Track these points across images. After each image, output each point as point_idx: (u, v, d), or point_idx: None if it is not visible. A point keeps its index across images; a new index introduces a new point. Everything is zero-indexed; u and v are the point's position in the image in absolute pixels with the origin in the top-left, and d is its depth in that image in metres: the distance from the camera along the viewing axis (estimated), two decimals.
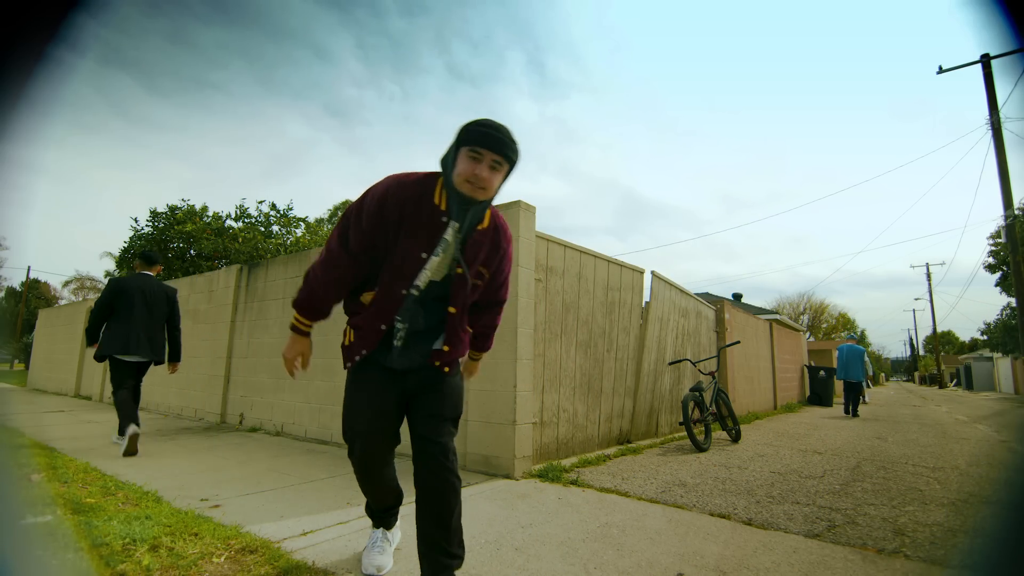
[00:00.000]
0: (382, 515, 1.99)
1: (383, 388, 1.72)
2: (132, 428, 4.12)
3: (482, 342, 1.99)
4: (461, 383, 1.88)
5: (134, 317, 4.51)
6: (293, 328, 1.76)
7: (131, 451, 4.10)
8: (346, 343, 1.75)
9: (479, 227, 1.67)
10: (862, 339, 67.24)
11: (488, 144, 1.53)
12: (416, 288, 1.64)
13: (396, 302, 1.64)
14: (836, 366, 10.32)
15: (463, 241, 1.65)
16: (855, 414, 9.70)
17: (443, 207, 1.61)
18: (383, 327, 1.66)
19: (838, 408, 12.29)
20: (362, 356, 1.70)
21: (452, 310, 1.69)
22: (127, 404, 4.32)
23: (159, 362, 4.71)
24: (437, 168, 1.67)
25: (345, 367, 1.78)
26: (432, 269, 1.63)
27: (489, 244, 1.71)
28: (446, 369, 1.76)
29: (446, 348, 1.72)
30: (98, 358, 4.54)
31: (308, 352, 1.80)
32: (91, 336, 4.61)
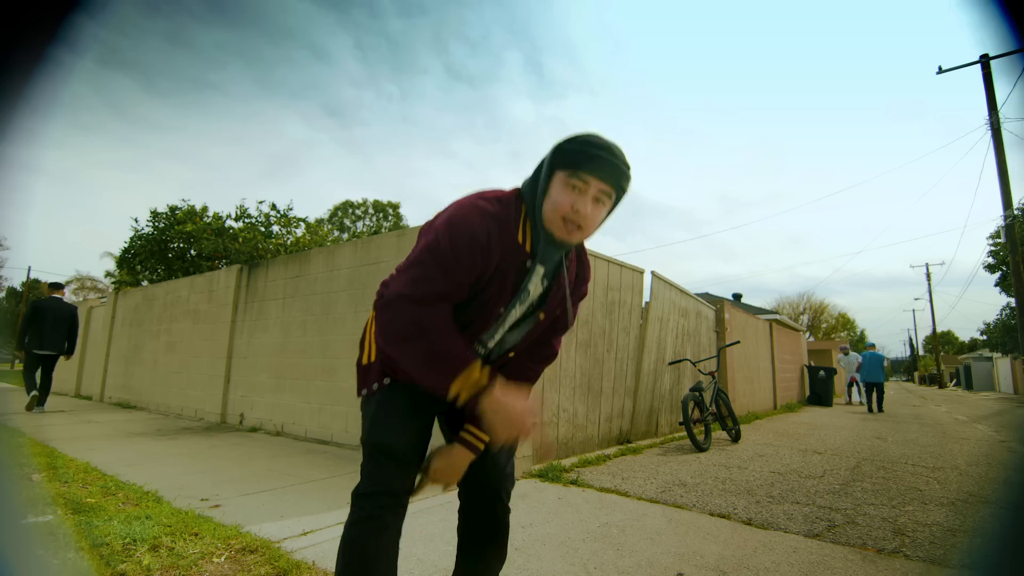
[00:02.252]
0: None
1: (423, 402, 1.30)
2: (33, 393, 6.60)
3: (532, 373, 1.43)
4: None
5: (46, 326, 6.75)
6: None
7: (28, 408, 6.48)
8: (365, 361, 1.34)
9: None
10: (862, 339, 67.40)
11: (596, 169, 1.10)
12: (484, 346, 1.29)
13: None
14: (859, 370, 11.74)
15: (547, 288, 1.27)
16: (880, 409, 10.93)
17: (527, 247, 1.20)
18: None
19: (838, 408, 12.30)
20: (384, 385, 1.29)
21: (511, 355, 1.35)
22: (31, 378, 6.69)
23: (62, 355, 6.98)
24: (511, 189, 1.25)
25: (360, 393, 1.33)
26: (506, 325, 1.28)
27: (573, 286, 1.34)
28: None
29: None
30: (23, 351, 6.75)
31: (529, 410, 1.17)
32: (20, 340, 6.85)
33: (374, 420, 1.28)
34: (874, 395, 11.08)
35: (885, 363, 11.86)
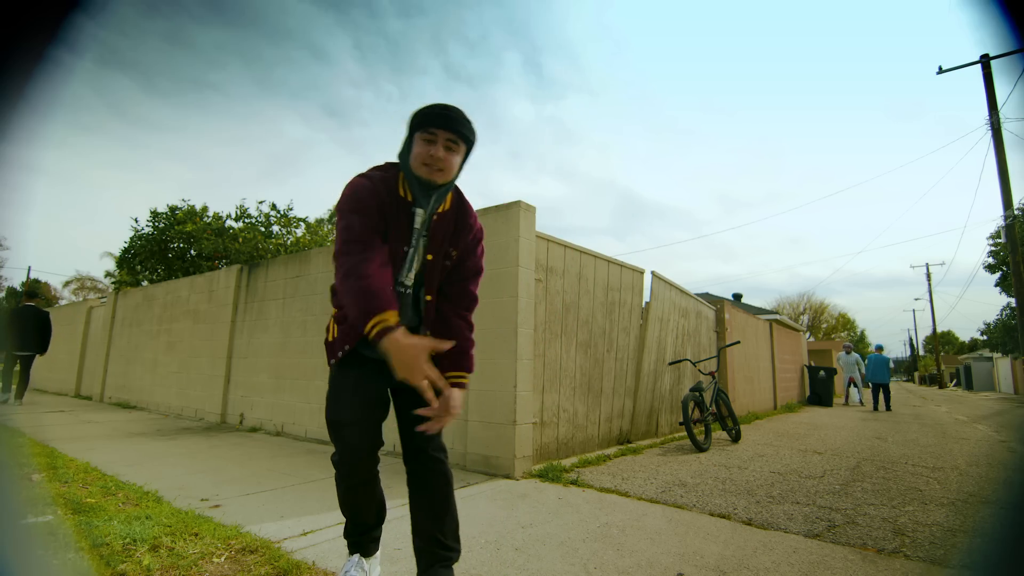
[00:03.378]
0: (361, 537, 1.75)
1: (368, 379, 1.63)
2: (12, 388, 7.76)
3: (460, 357, 1.65)
4: None
5: (25, 330, 7.75)
6: (383, 332, 1.39)
7: (3, 402, 7.62)
8: (329, 339, 1.68)
9: (440, 210, 1.62)
10: (862, 339, 67.47)
11: (440, 123, 1.50)
12: (403, 285, 1.61)
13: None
14: (865, 372, 12.08)
15: (427, 226, 1.60)
16: (888, 408, 11.35)
17: (408, 198, 1.58)
18: None
19: (838, 408, 12.30)
20: (345, 351, 1.61)
21: (428, 298, 1.64)
22: (7, 375, 7.82)
23: (38, 353, 7.91)
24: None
25: (329, 363, 1.68)
26: (408, 261, 1.61)
27: (452, 224, 1.65)
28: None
29: (427, 334, 1.64)
30: (3, 352, 7.84)
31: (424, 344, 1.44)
32: (1, 341, 7.79)
33: (328, 399, 1.66)
34: (880, 395, 11.55)
35: (890, 364, 11.98)
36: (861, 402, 13.23)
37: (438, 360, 1.60)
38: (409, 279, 1.62)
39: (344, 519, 1.75)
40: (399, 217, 1.57)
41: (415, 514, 1.69)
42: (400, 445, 1.71)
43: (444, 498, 1.68)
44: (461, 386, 1.62)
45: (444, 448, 1.71)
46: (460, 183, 1.70)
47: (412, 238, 1.59)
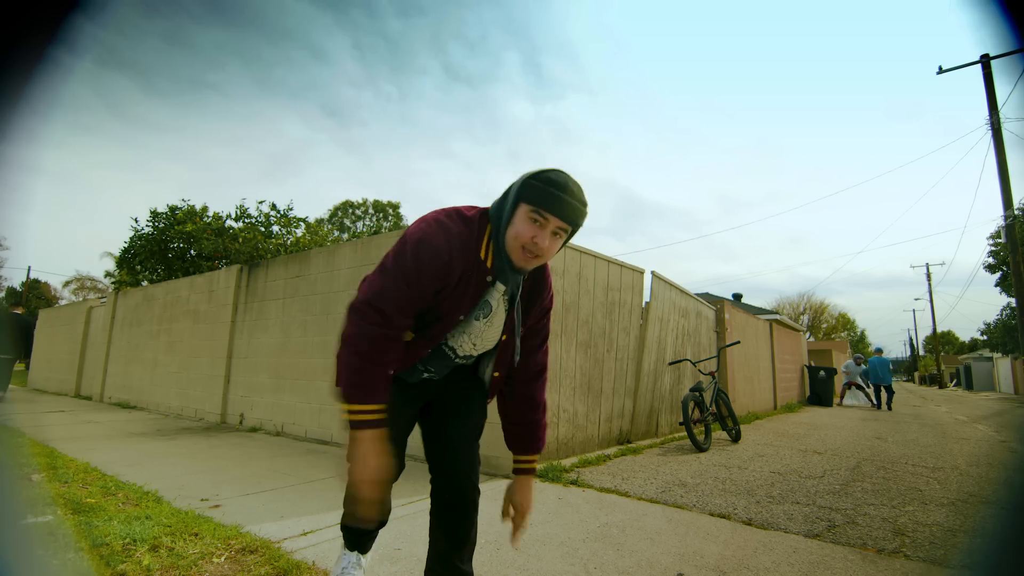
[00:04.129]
0: (360, 536, 1.63)
1: (405, 405, 1.48)
2: None
3: (527, 434, 1.54)
4: (484, 394, 1.63)
5: (7, 336, 8.12)
6: (361, 424, 1.25)
7: None
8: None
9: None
10: (862, 339, 67.53)
11: (558, 209, 1.24)
12: (450, 348, 1.44)
13: (418, 355, 1.41)
14: (868, 374, 12.58)
15: (509, 304, 1.42)
16: (889, 408, 11.79)
17: (488, 263, 1.33)
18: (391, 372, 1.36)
19: (838, 408, 12.30)
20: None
21: (495, 374, 1.50)
22: None
23: (16, 358, 8.80)
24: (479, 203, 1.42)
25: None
26: (473, 335, 1.43)
27: (529, 296, 1.46)
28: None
29: (496, 374, 1.51)
30: None
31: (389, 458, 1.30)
32: None
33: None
34: (883, 395, 12.13)
35: (890, 366, 12.50)
36: (856, 404, 13.30)
37: (507, 437, 1.55)
38: (463, 350, 1.45)
39: (344, 510, 1.60)
40: (468, 280, 1.33)
41: (435, 534, 1.58)
42: (428, 455, 1.59)
43: (470, 525, 1.56)
44: (529, 471, 1.50)
45: (478, 474, 1.58)
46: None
47: (479, 309, 1.39)
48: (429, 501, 1.58)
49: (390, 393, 1.29)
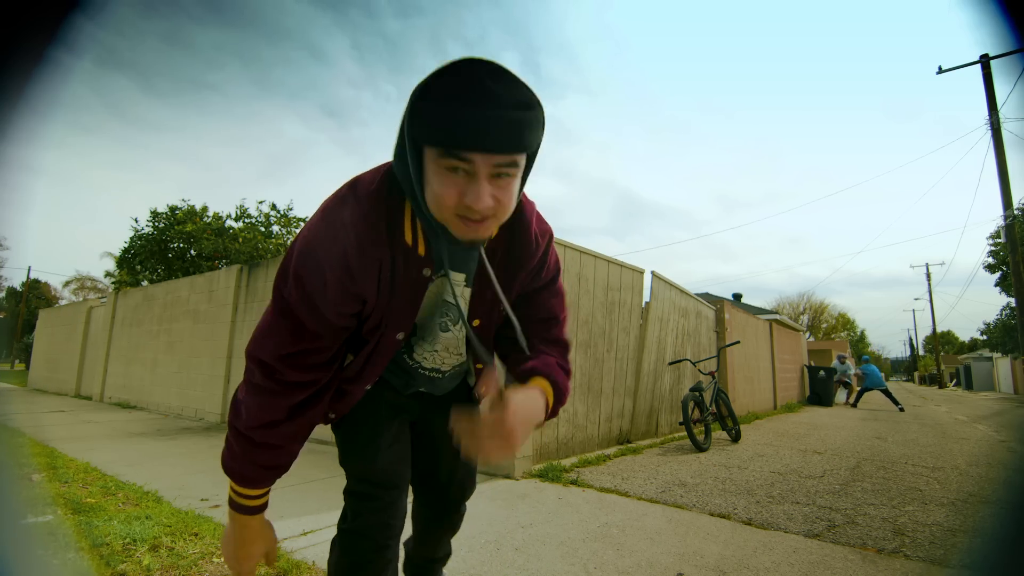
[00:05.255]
0: None
1: (390, 416, 1.15)
2: None
3: (545, 368, 1.00)
4: None
5: None
6: (237, 507, 1.03)
7: None
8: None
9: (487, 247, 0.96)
10: (862, 339, 67.68)
11: (479, 141, 0.71)
12: (421, 368, 1.10)
13: (370, 377, 1.05)
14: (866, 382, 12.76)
15: (474, 284, 0.98)
16: (897, 405, 11.88)
17: (421, 250, 0.89)
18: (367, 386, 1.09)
19: (838, 408, 12.32)
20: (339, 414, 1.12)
21: (478, 366, 1.12)
22: None
23: None
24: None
25: (326, 420, 1.14)
26: (442, 346, 1.07)
27: (507, 265, 0.99)
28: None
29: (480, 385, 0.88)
30: None
31: (273, 542, 1.07)
32: None
33: (346, 440, 1.15)
34: (886, 397, 12.42)
35: (881, 362, 12.88)
36: (849, 403, 13.46)
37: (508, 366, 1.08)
38: (446, 365, 1.10)
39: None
40: (397, 287, 0.91)
41: (417, 535, 1.37)
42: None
43: (453, 531, 1.37)
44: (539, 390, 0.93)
45: (472, 489, 1.32)
46: None
47: (435, 318, 1.02)
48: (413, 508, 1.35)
49: (281, 472, 1.02)
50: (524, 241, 0.98)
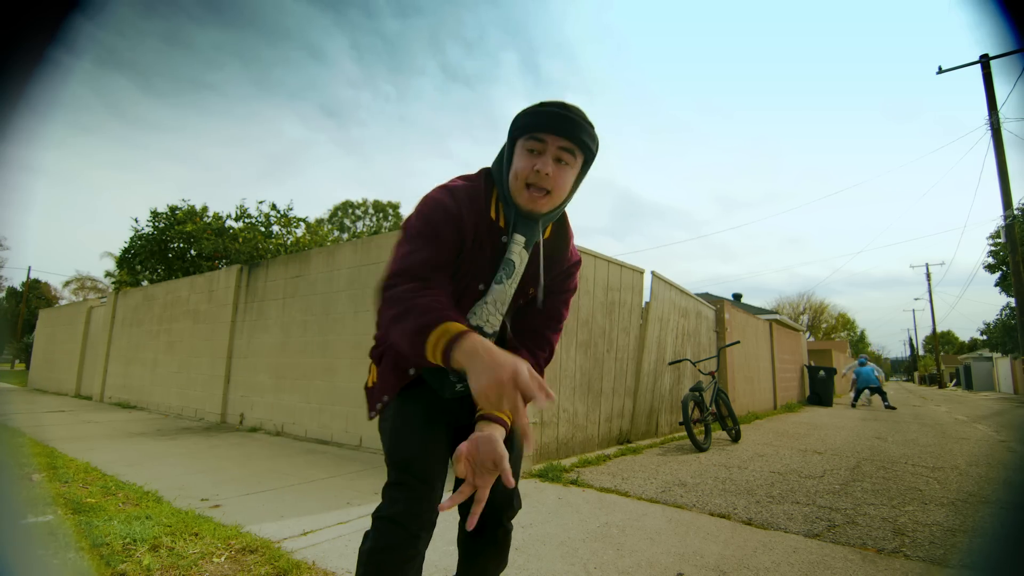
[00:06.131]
0: None
1: (433, 417, 1.24)
2: None
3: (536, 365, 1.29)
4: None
5: None
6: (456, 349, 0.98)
7: None
8: (369, 383, 1.34)
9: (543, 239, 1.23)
10: (862, 339, 67.72)
11: (552, 126, 1.07)
12: (477, 330, 1.17)
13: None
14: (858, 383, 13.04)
15: (531, 256, 1.21)
16: (888, 405, 12.07)
17: (500, 223, 1.18)
18: (411, 371, 1.23)
19: (838, 408, 12.32)
20: (384, 403, 1.26)
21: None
22: None
23: None
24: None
25: (369, 416, 1.31)
26: (496, 301, 1.22)
27: (551, 256, 1.26)
28: None
29: None
30: None
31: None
32: None
33: (391, 437, 1.23)
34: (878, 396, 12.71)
35: (876, 372, 13.00)
36: (861, 404, 13.38)
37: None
38: (490, 324, 1.24)
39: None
40: (482, 241, 1.16)
41: (462, 566, 1.38)
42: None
43: (499, 558, 1.36)
44: (500, 423, 1.10)
45: (515, 513, 1.33)
46: None
47: (501, 271, 1.20)
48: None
49: (458, 314, 1.03)
50: (564, 246, 1.28)
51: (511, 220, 1.17)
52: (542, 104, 1.11)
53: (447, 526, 1.41)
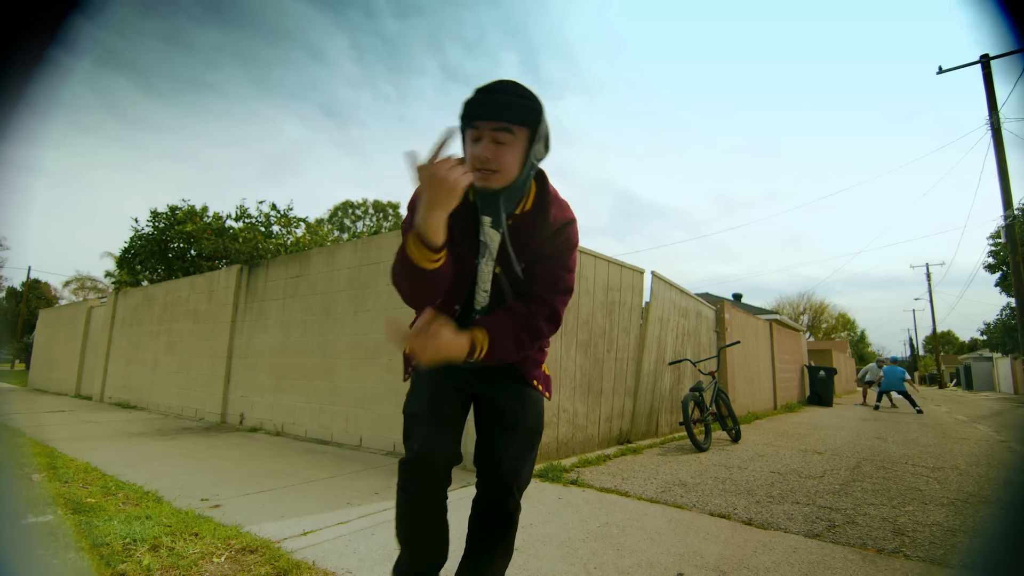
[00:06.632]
0: None
1: (442, 379, 1.42)
2: None
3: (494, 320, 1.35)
4: (540, 397, 1.49)
5: None
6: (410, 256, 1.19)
7: None
8: (407, 351, 1.46)
9: (518, 212, 1.31)
10: (862, 339, 67.59)
11: (484, 112, 1.17)
12: (477, 310, 1.39)
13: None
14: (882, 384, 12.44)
15: (503, 236, 1.32)
16: (914, 407, 11.50)
17: (473, 199, 1.31)
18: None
19: (838, 408, 12.32)
20: (412, 368, 1.47)
21: None
22: None
23: None
24: None
25: (404, 378, 1.53)
26: (482, 281, 1.37)
27: (531, 227, 1.32)
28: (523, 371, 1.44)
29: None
30: None
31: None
32: None
33: (407, 394, 1.47)
34: (885, 398, 12.50)
35: (904, 376, 12.17)
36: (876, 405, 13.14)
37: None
38: (478, 302, 1.38)
39: (399, 549, 1.43)
40: (465, 224, 1.31)
41: (467, 550, 1.52)
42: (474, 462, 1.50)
43: (510, 546, 1.51)
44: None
45: (527, 478, 1.46)
46: None
47: (481, 249, 1.34)
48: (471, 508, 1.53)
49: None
50: (543, 214, 1.32)
51: (478, 203, 1.30)
52: (475, 91, 1.20)
53: (452, 520, 1.42)
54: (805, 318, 58.01)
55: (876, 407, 12.32)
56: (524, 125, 1.20)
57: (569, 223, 1.36)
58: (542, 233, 1.32)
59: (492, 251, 1.33)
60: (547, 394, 1.52)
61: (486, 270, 1.35)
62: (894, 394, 12.76)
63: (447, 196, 1.10)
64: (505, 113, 1.17)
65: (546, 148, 1.30)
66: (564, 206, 1.37)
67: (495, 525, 1.46)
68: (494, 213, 1.29)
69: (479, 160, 1.19)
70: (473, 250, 1.33)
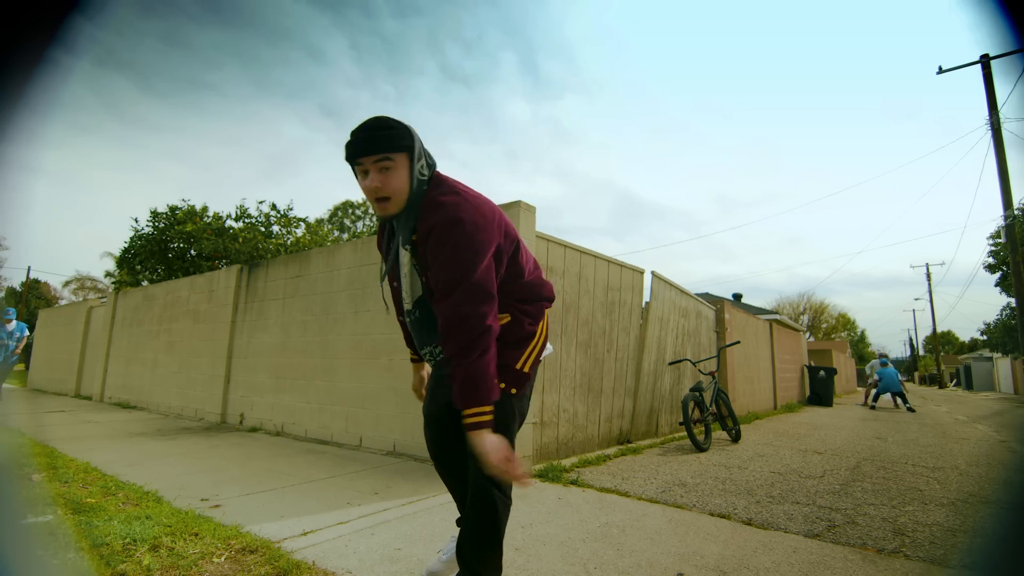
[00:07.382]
0: None
1: (436, 381, 1.65)
2: None
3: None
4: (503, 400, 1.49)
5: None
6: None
7: None
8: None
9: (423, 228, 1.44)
10: (862, 339, 67.66)
11: (353, 154, 1.36)
12: (409, 315, 1.58)
13: (404, 330, 1.72)
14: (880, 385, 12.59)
15: (413, 254, 1.48)
16: (907, 407, 12.05)
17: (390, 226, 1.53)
18: (418, 354, 1.74)
19: (838, 408, 12.32)
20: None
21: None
22: None
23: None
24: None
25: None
26: (407, 291, 1.54)
27: (422, 239, 1.42)
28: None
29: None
30: None
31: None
32: None
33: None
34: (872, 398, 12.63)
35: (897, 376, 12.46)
36: (872, 405, 13.15)
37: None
38: (409, 322, 1.61)
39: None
40: (388, 248, 1.56)
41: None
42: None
43: (479, 526, 1.55)
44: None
45: (496, 482, 1.52)
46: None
47: (397, 270, 1.54)
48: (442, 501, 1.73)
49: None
50: (421, 222, 1.40)
51: (389, 224, 1.51)
52: (351, 134, 1.37)
53: (440, 530, 1.42)
54: (805, 318, 58.01)
55: (872, 407, 12.38)
56: (400, 151, 1.36)
57: (441, 224, 1.34)
58: (423, 240, 1.40)
59: (404, 274, 1.50)
60: (513, 390, 1.52)
61: (402, 290, 1.53)
62: (888, 396, 12.89)
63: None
64: (381, 145, 1.34)
65: (428, 165, 1.44)
66: (445, 206, 1.37)
67: (469, 522, 1.57)
68: (403, 235, 1.46)
69: (371, 191, 1.36)
70: (394, 270, 1.53)
